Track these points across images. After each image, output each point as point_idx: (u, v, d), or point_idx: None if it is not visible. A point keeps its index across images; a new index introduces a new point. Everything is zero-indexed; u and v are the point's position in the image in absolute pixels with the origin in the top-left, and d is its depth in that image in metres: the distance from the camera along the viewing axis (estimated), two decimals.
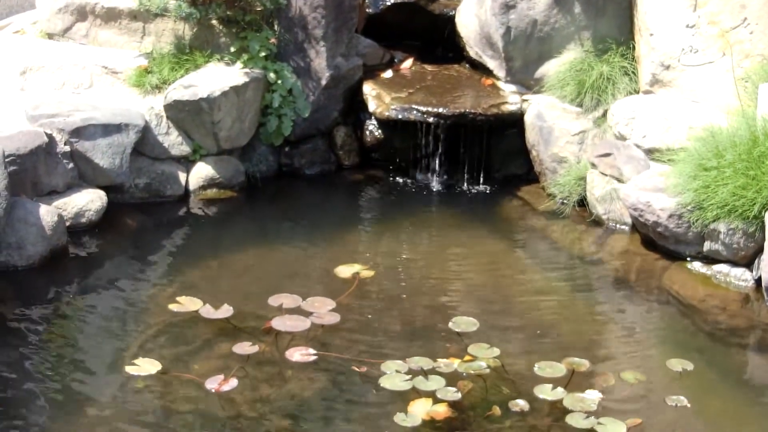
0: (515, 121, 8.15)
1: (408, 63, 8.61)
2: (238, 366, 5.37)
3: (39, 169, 6.84)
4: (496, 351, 5.55)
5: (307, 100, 8.12)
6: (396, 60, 8.66)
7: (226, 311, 5.91)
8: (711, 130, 6.70)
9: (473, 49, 8.33)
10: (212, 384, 5.21)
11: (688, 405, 5.15)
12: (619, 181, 7.20)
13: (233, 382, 5.23)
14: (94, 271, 6.64)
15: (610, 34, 7.80)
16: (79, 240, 6.92)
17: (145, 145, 7.55)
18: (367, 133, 8.43)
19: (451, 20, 8.56)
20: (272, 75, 7.89)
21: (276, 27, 8.04)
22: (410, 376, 5.30)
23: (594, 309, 6.38)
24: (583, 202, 7.58)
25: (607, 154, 7.35)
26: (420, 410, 5.01)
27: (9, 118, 7.11)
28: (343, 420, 5.02)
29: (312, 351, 5.55)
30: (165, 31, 8.02)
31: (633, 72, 7.67)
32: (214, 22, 7.95)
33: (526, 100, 8.11)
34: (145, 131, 7.48)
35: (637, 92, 7.62)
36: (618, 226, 7.29)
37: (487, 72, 8.32)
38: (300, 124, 8.17)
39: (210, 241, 7.26)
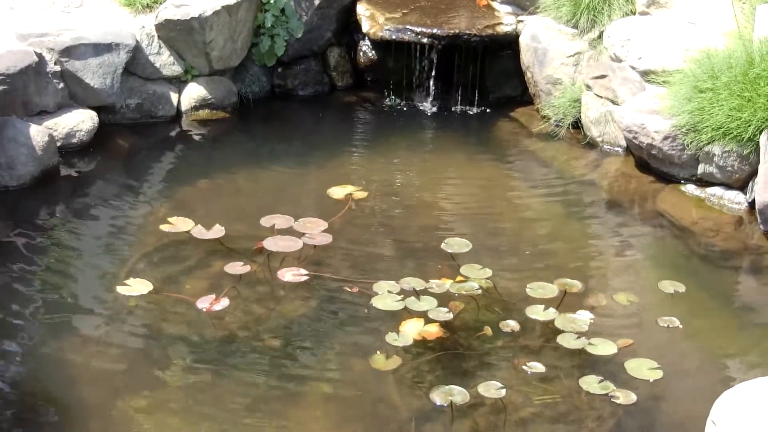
0: (510, 43, 8.10)
1: None
2: (230, 286, 5.37)
3: (29, 89, 6.78)
4: (489, 272, 5.55)
5: (300, 20, 8.04)
6: None
7: (217, 231, 5.89)
8: (707, 51, 6.63)
9: None
10: (203, 303, 5.21)
11: (680, 326, 5.16)
12: (614, 103, 7.15)
13: (224, 302, 5.23)
14: (86, 192, 6.61)
15: None
16: (71, 160, 6.89)
17: (136, 65, 7.49)
18: (361, 54, 8.37)
19: None
20: None
21: None
22: (402, 296, 5.30)
23: (587, 231, 6.38)
24: (577, 124, 7.54)
25: (602, 76, 7.30)
26: (412, 330, 5.01)
27: None
28: (335, 339, 5.03)
29: (304, 271, 5.54)
30: None
31: None
32: None
33: (521, 21, 8.04)
34: (136, 51, 7.42)
35: (634, 13, 7.53)
36: (612, 148, 7.26)
37: None
38: (293, 44, 8.10)
39: (202, 162, 7.23)
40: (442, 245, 5.86)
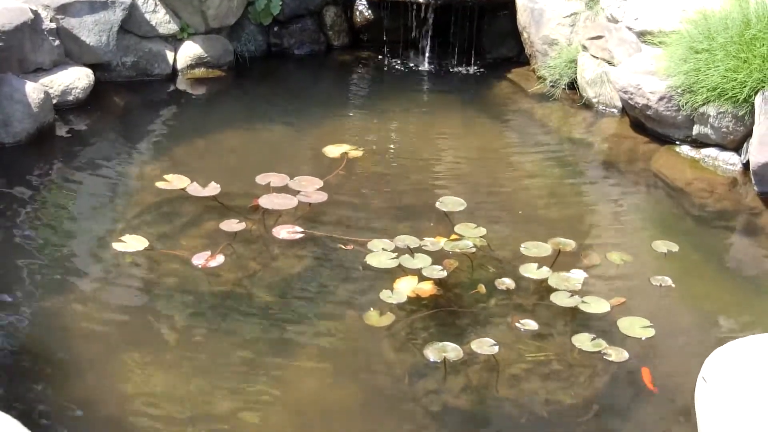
0: (506, 3, 8.09)
1: None
2: (225, 243, 5.38)
3: (25, 46, 6.77)
4: (483, 230, 5.56)
5: None
6: None
7: (213, 189, 5.90)
8: (703, 12, 6.63)
9: None
10: (199, 260, 5.22)
11: (672, 285, 5.17)
12: (610, 63, 7.15)
13: (220, 259, 5.24)
14: (82, 149, 6.62)
15: None
16: (67, 118, 6.90)
17: (132, 23, 7.49)
18: (357, 13, 8.36)
19: None
20: None
21: None
22: (396, 254, 5.31)
23: (582, 191, 6.39)
24: (573, 85, 7.55)
25: (599, 37, 7.30)
26: (406, 287, 5.03)
27: None
28: (329, 296, 5.04)
29: (299, 229, 5.55)
30: None
31: None
32: None
33: None
34: (132, 9, 7.41)
35: None
36: (608, 109, 7.27)
37: None
38: (289, 3, 8.10)
39: (198, 120, 7.24)
40: (437, 204, 5.87)
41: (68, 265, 5.25)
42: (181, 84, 7.67)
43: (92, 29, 7.14)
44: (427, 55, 8.27)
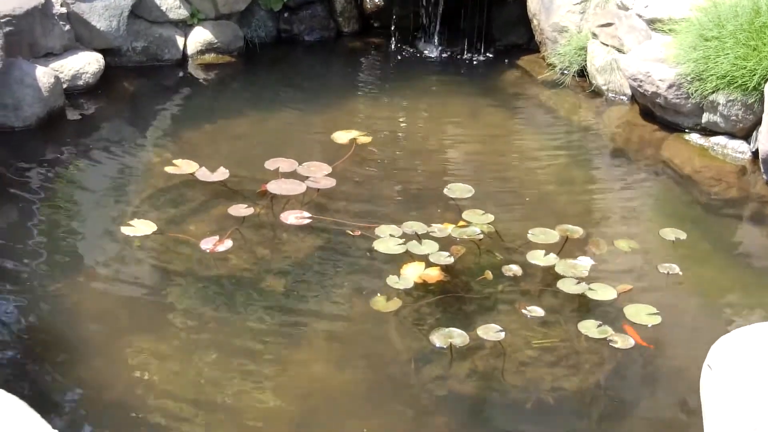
0: None
1: None
2: (233, 228, 5.40)
3: (35, 31, 6.78)
4: (491, 217, 5.56)
5: None
6: None
7: (222, 174, 5.91)
8: (713, 0, 6.61)
9: None
10: (207, 245, 5.24)
11: (680, 273, 5.17)
12: (620, 51, 7.14)
13: (228, 243, 5.25)
14: (91, 134, 6.64)
15: None
16: (77, 102, 6.92)
17: (142, 8, 7.50)
18: None
19: None
20: None
21: None
22: (404, 240, 5.32)
23: (590, 178, 6.39)
24: (583, 73, 7.54)
25: (609, 24, 7.28)
26: (412, 273, 5.04)
27: None
28: (336, 282, 5.06)
29: (307, 214, 5.56)
30: None
31: None
32: None
33: None
34: None
35: None
36: (617, 96, 7.26)
37: None
38: None
39: (207, 106, 7.25)
40: (445, 190, 5.88)
41: (76, 248, 5.28)
42: (191, 69, 7.69)
43: (103, 14, 7.15)
44: (436, 41, 8.27)
